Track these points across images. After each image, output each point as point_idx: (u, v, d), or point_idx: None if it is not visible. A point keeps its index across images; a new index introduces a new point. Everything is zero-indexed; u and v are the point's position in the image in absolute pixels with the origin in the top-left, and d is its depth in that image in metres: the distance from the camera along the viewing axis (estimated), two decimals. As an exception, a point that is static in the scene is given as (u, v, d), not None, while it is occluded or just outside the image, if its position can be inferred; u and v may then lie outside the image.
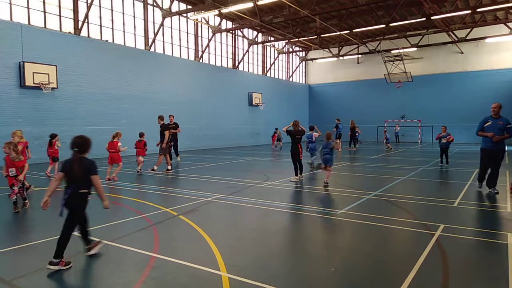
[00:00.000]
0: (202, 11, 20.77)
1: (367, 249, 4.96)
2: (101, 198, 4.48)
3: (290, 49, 35.51)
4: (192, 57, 24.89)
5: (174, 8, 22.40)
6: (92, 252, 4.61)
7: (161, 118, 13.45)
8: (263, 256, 4.69)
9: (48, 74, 15.95)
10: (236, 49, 29.02)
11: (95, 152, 19.39)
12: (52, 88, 16.27)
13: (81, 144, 4.38)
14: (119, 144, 11.16)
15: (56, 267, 4.13)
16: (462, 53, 30.14)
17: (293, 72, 36.96)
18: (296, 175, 10.67)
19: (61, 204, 4.29)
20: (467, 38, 26.68)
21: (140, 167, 12.54)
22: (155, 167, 12.78)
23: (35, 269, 4.20)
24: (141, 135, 12.81)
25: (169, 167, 13.03)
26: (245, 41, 29.58)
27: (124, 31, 20.41)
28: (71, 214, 4.34)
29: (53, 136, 12.07)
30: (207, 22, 25.31)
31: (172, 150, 14.79)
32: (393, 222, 6.25)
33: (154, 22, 21.94)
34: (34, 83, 15.51)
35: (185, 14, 23.27)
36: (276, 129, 26.59)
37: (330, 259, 4.72)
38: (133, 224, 6.17)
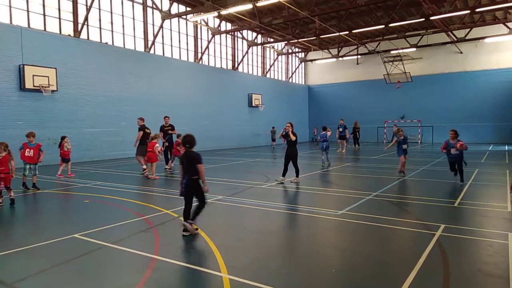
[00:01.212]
0: (201, 13, 20.80)
1: (367, 250, 4.96)
2: (203, 182, 5.63)
3: (290, 50, 35.53)
4: (191, 59, 24.91)
5: (174, 10, 22.42)
6: (185, 233, 5.48)
7: (141, 119, 13.16)
8: (263, 257, 4.69)
9: (48, 76, 15.96)
10: (236, 50, 29.04)
11: (95, 154, 19.29)
12: (52, 91, 16.28)
13: (190, 141, 5.64)
14: (156, 145, 11.82)
15: (187, 225, 5.51)
16: (461, 53, 30.16)
17: (292, 73, 36.98)
18: (297, 176, 10.67)
19: (182, 187, 5.60)
20: (466, 38, 26.69)
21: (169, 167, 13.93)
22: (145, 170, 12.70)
23: (35, 272, 4.21)
24: (179, 136, 13.69)
25: (144, 166, 12.78)
26: (245, 42, 29.62)
27: (123, 34, 20.43)
28: (190, 194, 5.63)
29: (62, 138, 12.57)
30: (207, 24, 25.35)
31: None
32: (393, 223, 6.25)
33: (153, 24, 21.96)
34: (34, 86, 15.52)
35: (184, 16, 23.30)
36: (273, 127, 26.92)
37: (330, 260, 4.72)
38: (134, 226, 6.17)
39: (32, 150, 9.52)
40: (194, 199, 5.66)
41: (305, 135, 37.21)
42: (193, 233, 5.50)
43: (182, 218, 5.68)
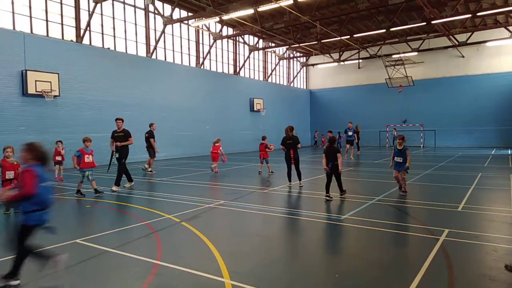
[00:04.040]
0: (203, 18, 20.88)
1: (371, 255, 4.92)
2: (339, 165, 8.37)
3: (291, 55, 35.61)
4: (193, 64, 24.98)
5: (175, 15, 22.53)
6: (329, 198, 8.47)
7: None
8: (266, 263, 4.66)
9: (50, 82, 16.02)
10: (237, 55, 29.12)
11: (96, 159, 19.41)
12: (55, 96, 16.33)
13: (333, 140, 8.64)
14: (221, 148, 14.52)
15: None
16: (463, 57, 30.15)
17: (294, 78, 37.03)
18: (289, 181, 10.55)
19: (329, 168, 8.36)
20: (468, 42, 26.70)
21: (270, 170, 14.00)
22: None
23: (36, 278, 4.18)
24: (263, 138, 14.49)
25: (150, 168, 14.32)
26: (246, 47, 29.69)
27: (125, 39, 20.52)
28: (331, 173, 8.41)
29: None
30: (208, 29, 25.44)
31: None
32: (397, 227, 6.21)
33: (155, 30, 22.06)
34: (36, 91, 15.57)
35: (186, 21, 23.40)
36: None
37: (334, 265, 4.68)
38: (136, 231, 6.15)
39: (90, 156, 9.46)
40: None
41: (307, 139, 37.18)
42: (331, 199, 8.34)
43: (325, 191, 8.51)
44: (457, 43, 27.14)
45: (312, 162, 18.68)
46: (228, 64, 28.42)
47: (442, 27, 24.75)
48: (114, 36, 19.95)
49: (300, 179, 10.53)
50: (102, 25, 19.30)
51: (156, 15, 21.98)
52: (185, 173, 14.57)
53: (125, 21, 20.39)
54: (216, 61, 27.18)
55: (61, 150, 13.10)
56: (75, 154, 9.43)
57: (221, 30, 25.89)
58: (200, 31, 25.26)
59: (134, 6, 20.91)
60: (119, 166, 10.50)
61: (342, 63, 33.23)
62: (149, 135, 14.72)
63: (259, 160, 14.50)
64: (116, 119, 10.97)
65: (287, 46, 31.34)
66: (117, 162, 10.59)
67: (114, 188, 10.25)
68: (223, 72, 27.67)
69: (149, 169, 14.54)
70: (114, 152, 10.60)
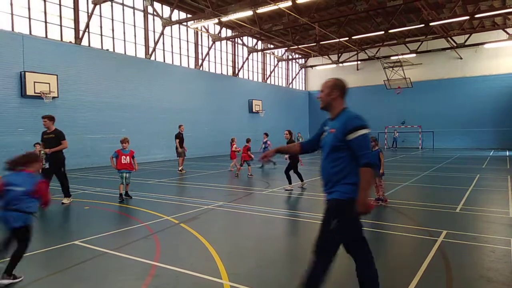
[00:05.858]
0: (202, 20, 20.90)
1: (369, 256, 4.92)
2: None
3: (290, 56, 35.66)
4: (192, 65, 25.00)
5: (174, 17, 22.55)
6: None
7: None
8: (264, 264, 4.66)
9: (49, 83, 16.01)
10: (236, 57, 29.15)
11: (95, 160, 19.23)
12: (53, 97, 16.32)
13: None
14: (235, 146, 15.33)
15: None
16: (461, 58, 30.25)
17: (292, 79, 37.07)
18: (290, 183, 10.43)
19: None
20: (466, 44, 26.77)
21: (250, 172, 14.02)
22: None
23: (34, 279, 4.18)
24: (247, 140, 14.68)
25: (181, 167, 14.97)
26: (245, 49, 29.73)
27: (124, 40, 20.53)
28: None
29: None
30: (207, 31, 25.47)
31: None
32: (395, 229, 6.22)
33: (154, 31, 22.07)
34: (35, 93, 15.56)
35: (185, 23, 23.42)
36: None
37: (332, 266, 4.68)
38: (134, 232, 6.15)
39: (127, 157, 9.03)
40: None
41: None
42: None
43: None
44: (455, 45, 27.22)
45: (310, 164, 18.69)
46: (227, 65, 28.44)
47: (440, 29, 24.83)
48: (113, 38, 19.96)
49: (302, 180, 10.63)
50: (101, 27, 19.30)
51: (155, 17, 22.00)
52: (184, 174, 14.57)
53: (124, 22, 20.40)
54: (215, 62, 27.20)
55: (38, 153, 12.42)
56: (112, 156, 9.09)
57: (220, 32, 25.92)
58: (199, 33, 25.28)
59: (133, 8, 20.93)
60: (60, 175, 8.67)
61: (340, 64, 33.28)
62: (176, 136, 15.42)
63: (255, 162, 14.53)
64: (42, 117, 8.71)
65: (286, 48, 31.38)
66: (55, 173, 8.61)
67: (65, 200, 8.69)
68: (221, 73, 27.69)
69: (179, 168, 15.16)
70: (46, 156, 8.52)
